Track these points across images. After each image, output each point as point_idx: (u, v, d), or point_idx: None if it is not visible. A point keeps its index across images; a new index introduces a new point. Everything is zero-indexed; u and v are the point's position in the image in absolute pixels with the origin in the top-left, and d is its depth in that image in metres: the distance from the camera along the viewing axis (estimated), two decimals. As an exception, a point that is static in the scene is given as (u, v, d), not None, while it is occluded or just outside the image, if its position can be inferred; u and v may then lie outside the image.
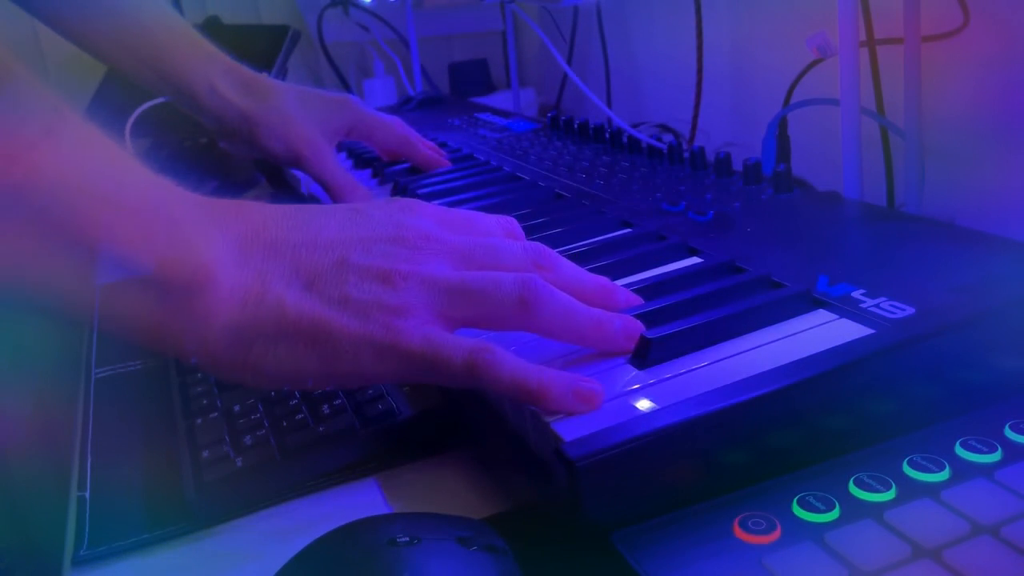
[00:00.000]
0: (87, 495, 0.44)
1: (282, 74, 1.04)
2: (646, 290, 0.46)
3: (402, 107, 1.20)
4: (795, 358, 0.36)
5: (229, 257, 0.36)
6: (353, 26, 1.44)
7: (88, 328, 0.68)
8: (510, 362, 0.36)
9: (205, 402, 0.49)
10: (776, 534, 0.30)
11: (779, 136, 0.74)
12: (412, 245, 0.39)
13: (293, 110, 0.76)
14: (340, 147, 0.95)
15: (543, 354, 0.41)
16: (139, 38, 0.74)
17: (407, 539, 0.29)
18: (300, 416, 0.46)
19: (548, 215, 0.61)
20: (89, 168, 0.33)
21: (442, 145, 0.89)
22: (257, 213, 0.38)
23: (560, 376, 0.36)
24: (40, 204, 0.31)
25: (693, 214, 0.57)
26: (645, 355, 0.38)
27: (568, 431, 0.34)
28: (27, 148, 0.30)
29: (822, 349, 0.37)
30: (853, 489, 0.32)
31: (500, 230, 0.44)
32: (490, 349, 0.36)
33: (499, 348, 0.37)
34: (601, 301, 0.42)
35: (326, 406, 0.46)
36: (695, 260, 0.51)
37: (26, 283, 0.32)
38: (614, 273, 0.50)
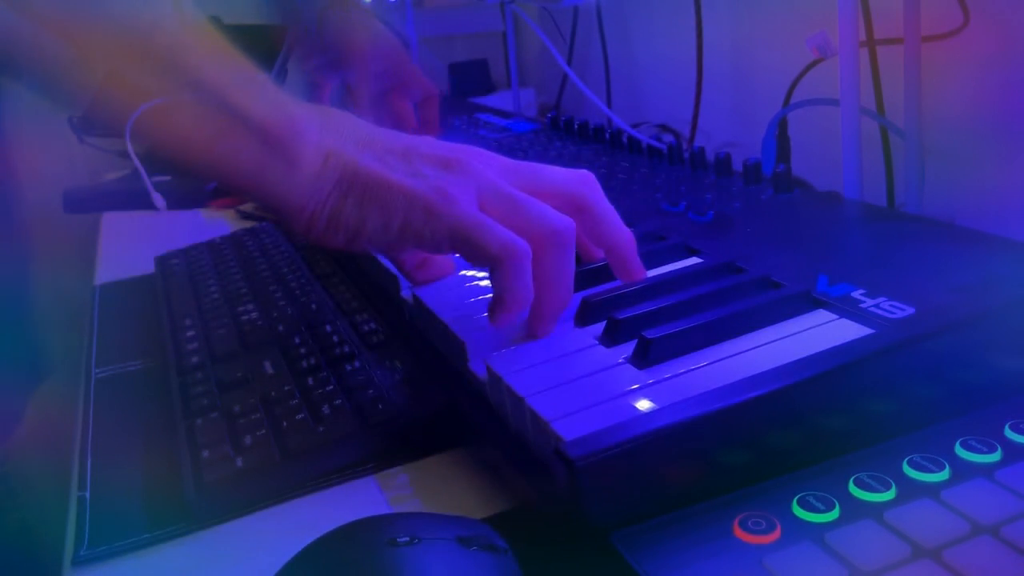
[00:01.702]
0: (87, 495, 0.44)
1: (282, 74, 1.04)
2: (646, 290, 0.46)
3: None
4: (795, 358, 0.36)
5: (316, 128, 0.44)
6: (353, 26, 1.44)
7: (88, 328, 0.68)
8: (529, 278, 0.42)
9: (205, 402, 0.49)
10: (776, 534, 0.30)
11: (779, 136, 0.74)
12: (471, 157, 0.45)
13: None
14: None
15: (541, 354, 0.41)
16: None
17: (407, 539, 0.29)
18: (300, 416, 0.46)
19: (548, 215, 0.61)
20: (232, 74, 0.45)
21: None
22: (338, 114, 0.47)
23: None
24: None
25: (693, 214, 0.57)
26: (645, 355, 0.38)
27: (568, 430, 0.34)
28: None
29: (822, 349, 0.37)
30: (853, 489, 0.32)
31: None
32: (526, 255, 0.41)
33: (529, 260, 0.42)
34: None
35: (326, 406, 0.46)
36: (695, 260, 0.51)
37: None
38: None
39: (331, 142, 0.44)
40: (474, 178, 0.43)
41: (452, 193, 0.42)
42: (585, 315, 0.44)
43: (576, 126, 0.86)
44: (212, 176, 0.45)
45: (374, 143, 0.44)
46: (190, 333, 0.59)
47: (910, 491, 0.32)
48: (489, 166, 0.45)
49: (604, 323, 0.42)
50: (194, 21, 0.46)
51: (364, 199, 0.43)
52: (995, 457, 0.33)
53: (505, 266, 0.41)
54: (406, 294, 0.53)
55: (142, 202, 1.01)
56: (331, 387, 0.48)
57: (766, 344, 0.39)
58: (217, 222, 0.93)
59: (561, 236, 0.42)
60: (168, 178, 1.05)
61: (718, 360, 0.38)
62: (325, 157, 0.43)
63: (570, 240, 0.43)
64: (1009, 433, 0.34)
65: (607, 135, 0.81)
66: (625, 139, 0.78)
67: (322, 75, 0.84)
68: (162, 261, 0.77)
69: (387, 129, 0.46)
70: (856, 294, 0.41)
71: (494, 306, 0.42)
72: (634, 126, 0.90)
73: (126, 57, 0.45)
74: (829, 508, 0.31)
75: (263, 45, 1.07)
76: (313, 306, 0.60)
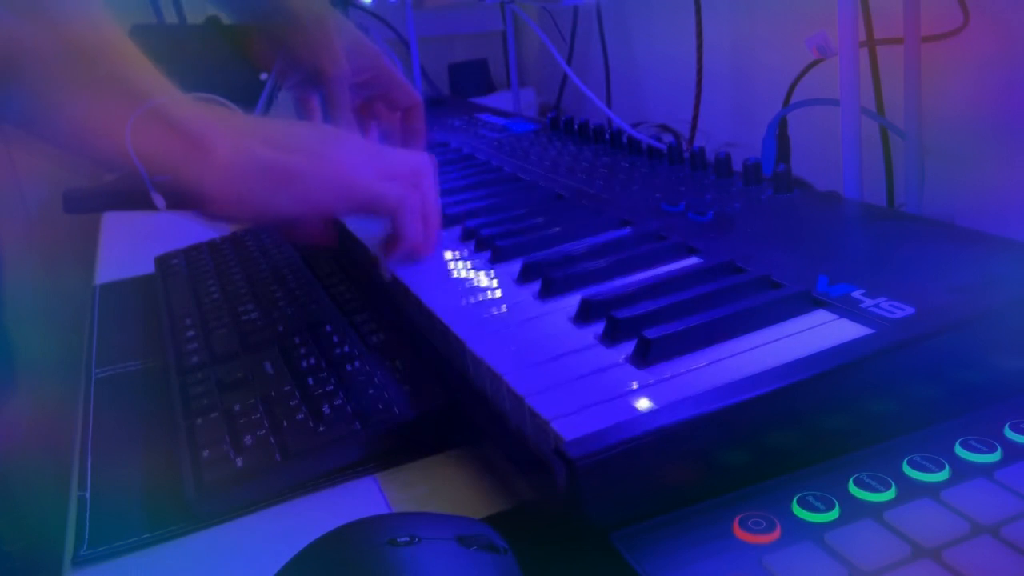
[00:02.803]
0: (87, 495, 0.44)
1: (277, 88, 1.04)
2: (646, 290, 0.46)
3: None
4: (795, 358, 0.36)
5: (225, 127, 0.52)
6: (353, 26, 1.44)
7: (88, 328, 0.68)
8: (418, 219, 0.55)
9: (205, 402, 0.49)
10: (776, 534, 0.30)
11: (779, 136, 0.74)
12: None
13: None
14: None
15: (541, 353, 0.41)
16: None
17: (407, 539, 0.29)
18: (300, 416, 0.46)
19: (548, 215, 0.61)
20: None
21: (443, 145, 0.89)
22: (242, 115, 0.54)
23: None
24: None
25: (693, 214, 0.57)
26: (645, 355, 0.38)
27: (568, 430, 0.34)
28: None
29: (822, 349, 0.37)
30: (853, 489, 0.32)
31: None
32: (416, 200, 0.54)
33: (418, 204, 0.55)
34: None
35: (326, 406, 0.46)
36: (695, 260, 0.51)
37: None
38: (613, 272, 0.50)
39: (240, 140, 0.51)
40: (359, 149, 0.55)
41: (350, 166, 0.53)
42: (585, 314, 0.44)
43: (576, 126, 0.86)
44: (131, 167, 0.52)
45: (270, 134, 0.52)
46: (190, 333, 0.59)
47: (910, 491, 0.32)
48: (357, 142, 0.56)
49: (604, 323, 0.42)
50: (116, 30, 0.52)
51: (271, 185, 0.51)
52: (995, 457, 0.33)
53: (404, 213, 0.54)
54: (402, 290, 0.54)
55: (142, 202, 1.01)
56: (331, 387, 0.48)
57: (766, 344, 0.39)
58: (217, 222, 0.93)
59: (428, 170, 0.57)
60: (168, 178, 1.05)
61: (718, 360, 0.38)
62: (234, 150, 0.50)
63: (433, 170, 0.57)
64: (1009, 433, 0.34)
65: (607, 135, 0.81)
66: (625, 139, 0.78)
67: (303, 90, 0.83)
68: (162, 261, 0.77)
69: (284, 121, 0.56)
70: (856, 294, 0.41)
71: (390, 243, 0.55)
72: (634, 126, 0.90)
73: (119, 60, 0.51)
74: (829, 508, 0.31)
75: (261, 46, 1.07)
76: (313, 306, 0.60)
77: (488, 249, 0.56)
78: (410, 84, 0.84)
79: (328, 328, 0.56)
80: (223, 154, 0.50)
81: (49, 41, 0.48)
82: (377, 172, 0.54)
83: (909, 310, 0.39)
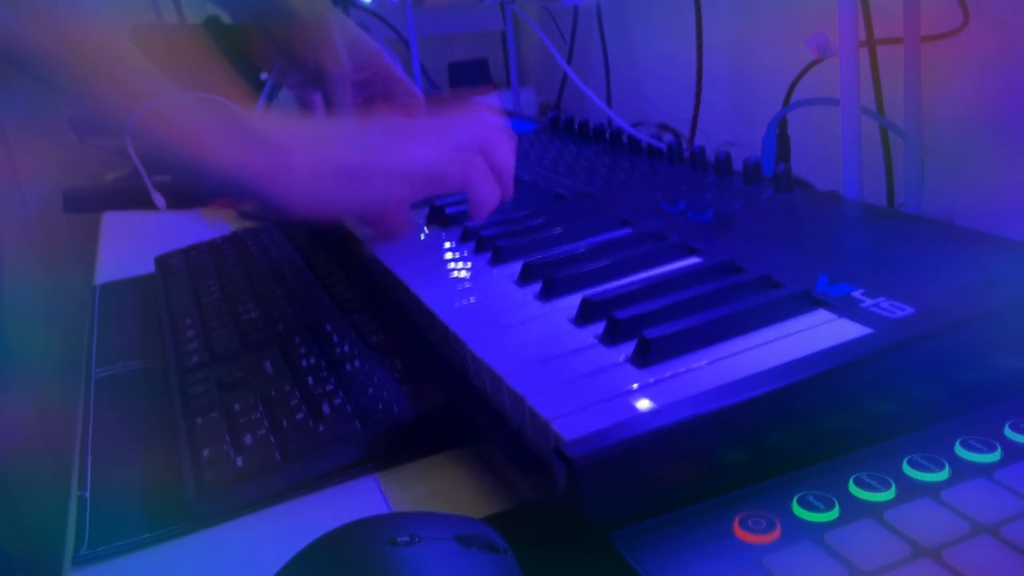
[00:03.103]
0: (87, 495, 0.44)
1: (277, 88, 1.04)
2: (646, 290, 0.46)
3: (402, 107, 1.20)
4: (795, 358, 0.36)
5: (300, 137, 0.55)
6: (353, 26, 1.44)
7: (88, 328, 0.68)
8: (491, 180, 0.57)
9: (205, 402, 0.49)
10: (776, 534, 0.30)
11: (779, 136, 0.74)
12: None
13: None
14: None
15: (541, 353, 0.41)
16: None
17: (407, 538, 0.29)
18: (300, 416, 0.46)
19: (548, 215, 0.61)
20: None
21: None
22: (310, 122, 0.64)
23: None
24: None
25: (693, 214, 0.57)
26: (645, 355, 0.38)
27: (568, 430, 0.34)
28: None
29: (822, 349, 0.37)
30: (853, 489, 0.32)
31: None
32: (485, 170, 0.57)
33: (484, 170, 0.57)
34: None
35: (326, 406, 0.46)
36: (695, 260, 0.51)
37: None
38: (614, 272, 0.50)
39: (311, 143, 0.54)
40: (414, 134, 0.56)
41: (403, 152, 0.55)
42: (586, 314, 0.44)
43: (576, 126, 0.86)
44: (206, 171, 0.53)
45: (343, 138, 0.56)
46: (190, 333, 0.59)
47: (910, 491, 0.32)
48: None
49: (604, 322, 0.42)
50: (116, 30, 0.54)
51: (338, 182, 0.54)
52: (995, 457, 0.33)
53: (471, 185, 0.57)
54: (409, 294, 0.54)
55: (142, 202, 1.01)
56: (331, 387, 0.48)
57: (766, 344, 0.39)
58: (217, 222, 0.93)
59: (491, 134, 0.58)
60: (168, 178, 1.05)
61: (718, 360, 0.38)
62: (308, 152, 0.53)
63: (497, 128, 0.59)
64: (1009, 433, 0.34)
65: (607, 135, 0.81)
66: (625, 139, 0.78)
67: (304, 89, 0.83)
68: (162, 261, 0.77)
69: (344, 123, 0.60)
70: (856, 294, 0.41)
71: (474, 208, 0.57)
72: (634, 126, 0.90)
73: (121, 61, 0.50)
74: (829, 508, 0.31)
75: (261, 45, 1.07)
76: (313, 306, 0.60)
77: (489, 250, 0.56)
78: (411, 82, 0.84)
79: (328, 328, 0.56)
80: (301, 160, 0.53)
81: (49, 41, 0.48)
82: (437, 151, 0.56)
83: (909, 310, 0.39)
